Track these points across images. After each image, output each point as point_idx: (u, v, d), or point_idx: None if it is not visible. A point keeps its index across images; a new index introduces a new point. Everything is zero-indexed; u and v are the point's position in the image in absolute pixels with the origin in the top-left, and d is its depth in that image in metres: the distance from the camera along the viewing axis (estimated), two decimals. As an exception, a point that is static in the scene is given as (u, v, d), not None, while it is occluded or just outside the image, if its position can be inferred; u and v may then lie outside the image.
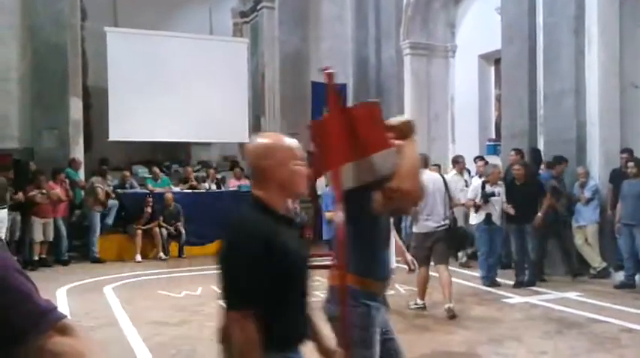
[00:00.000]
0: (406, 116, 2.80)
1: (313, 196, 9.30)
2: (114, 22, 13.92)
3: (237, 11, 15.56)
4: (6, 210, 9.15)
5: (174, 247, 11.19)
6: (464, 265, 9.53)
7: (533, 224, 8.10)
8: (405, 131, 2.68)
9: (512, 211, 8.00)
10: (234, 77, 14.01)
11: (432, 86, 12.83)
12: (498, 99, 11.52)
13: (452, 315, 6.33)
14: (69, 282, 8.49)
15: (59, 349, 1.14)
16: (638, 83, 8.73)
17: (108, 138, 12.76)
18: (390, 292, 3.59)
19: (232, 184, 13.06)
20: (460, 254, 9.68)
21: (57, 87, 11.38)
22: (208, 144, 15.33)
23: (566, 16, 8.87)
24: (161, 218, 11.10)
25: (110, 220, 11.01)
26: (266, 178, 1.97)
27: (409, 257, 5.37)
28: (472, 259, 9.35)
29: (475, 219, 8.18)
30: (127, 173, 12.14)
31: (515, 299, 7.32)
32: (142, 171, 13.27)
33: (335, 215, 2.57)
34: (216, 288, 7.64)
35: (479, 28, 11.78)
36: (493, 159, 10.08)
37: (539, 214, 8.20)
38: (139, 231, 10.80)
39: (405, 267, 5.37)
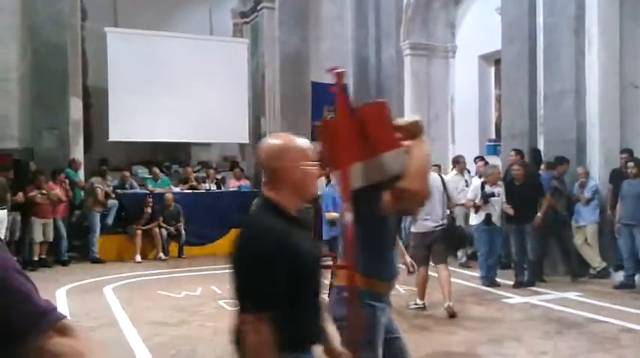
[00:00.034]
0: (414, 116, 2.79)
1: (313, 196, 9.30)
2: (114, 22, 13.91)
3: (237, 11, 15.55)
4: (6, 210, 9.14)
5: (174, 247, 11.20)
6: (464, 265, 9.54)
7: (533, 224, 8.10)
8: (413, 131, 2.68)
9: (511, 211, 8.00)
10: (234, 77, 14.00)
11: (432, 86, 12.83)
12: (498, 99, 11.51)
13: (451, 313, 6.34)
14: (69, 283, 8.50)
15: (59, 349, 1.14)
16: (638, 83, 8.73)
17: (108, 138, 12.75)
18: (389, 292, 3.58)
19: (232, 184, 13.07)
20: (460, 254, 9.68)
21: (57, 87, 11.38)
22: (208, 145, 15.32)
23: (567, 17, 8.87)
24: (161, 218, 11.11)
25: (110, 220, 11.02)
26: (278, 179, 1.96)
27: (408, 259, 5.37)
28: (472, 259, 9.36)
29: (475, 219, 8.18)
30: (127, 173, 12.15)
31: (515, 299, 7.32)
32: (142, 171, 13.27)
33: (344, 214, 2.56)
34: (215, 288, 7.69)
35: (479, 29, 11.78)
36: (493, 160, 10.08)
37: (539, 214, 8.20)
38: (139, 232, 10.80)
39: (404, 267, 5.37)
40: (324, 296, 2.63)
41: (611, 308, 6.72)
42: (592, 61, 8.66)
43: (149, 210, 10.97)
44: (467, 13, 12.54)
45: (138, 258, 10.65)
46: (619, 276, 8.07)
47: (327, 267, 2.83)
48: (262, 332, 1.79)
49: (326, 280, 2.74)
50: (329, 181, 6.79)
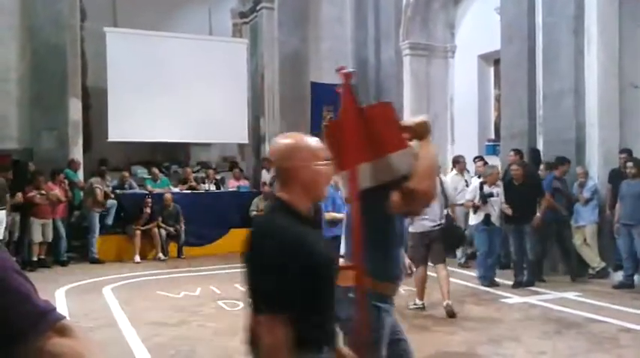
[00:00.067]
0: (422, 117, 2.79)
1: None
2: (113, 22, 13.91)
3: (237, 12, 15.54)
4: (5, 210, 9.14)
5: (173, 248, 11.19)
6: (463, 265, 9.54)
7: (532, 224, 8.11)
8: (421, 132, 2.68)
9: (509, 212, 8.01)
10: (234, 78, 14.00)
11: (431, 86, 12.83)
12: (498, 99, 11.52)
13: (450, 312, 6.35)
14: (68, 283, 8.49)
15: (58, 350, 1.14)
16: (638, 83, 8.74)
17: (107, 138, 12.74)
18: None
19: (231, 185, 13.07)
20: (459, 254, 9.69)
21: (56, 87, 11.37)
22: (208, 145, 15.32)
23: (566, 16, 8.87)
24: (160, 218, 11.10)
25: (109, 221, 11.01)
26: (290, 179, 1.95)
27: (407, 260, 5.37)
28: (471, 259, 9.36)
29: (474, 219, 8.19)
30: (126, 173, 12.14)
31: (514, 299, 7.32)
32: (141, 171, 13.26)
33: (352, 215, 2.55)
34: (215, 289, 7.68)
35: (478, 29, 11.78)
36: (492, 160, 10.09)
37: (538, 214, 8.21)
38: (138, 232, 10.80)
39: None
40: None
41: (610, 308, 6.73)
42: (591, 61, 8.67)
43: (148, 210, 10.97)
44: (466, 13, 12.55)
45: (137, 258, 10.64)
46: (618, 276, 8.08)
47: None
48: (277, 333, 1.78)
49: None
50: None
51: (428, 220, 6.45)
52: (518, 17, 9.64)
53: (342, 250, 3.04)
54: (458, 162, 10.25)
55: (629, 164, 7.92)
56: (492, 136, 11.95)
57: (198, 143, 14.93)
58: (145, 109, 12.80)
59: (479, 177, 9.01)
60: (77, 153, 11.71)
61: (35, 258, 9.79)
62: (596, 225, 8.53)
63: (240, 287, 8.01)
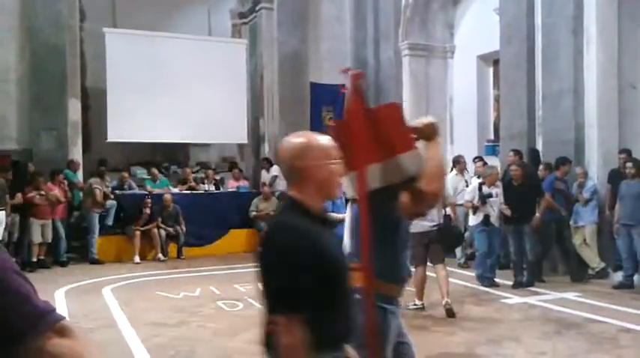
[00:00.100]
0: (430, 118, 2.79)
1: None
2: (112, 23, 13.91)
3: (236, 12, 15.54)
4: (4, 211, 9.13)
5: (172, 248, 11.18)
6: (463, 266, 9.54)
7: (532, 224, 8.11)
8: (429, 133, 2.68)
9: (508, 212, 8.01)
10: (233, 78, 13.99)
11: (430, 87, 12.83)
12: (497, 99, 11.52)
13: (450, 311, 6.35)
14: (67, 283, 8.49)
15: (58, 350, 1.14)
16: (637, 83, 8.74)
17: (106, 139, 12.74)
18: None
19: (231, 185, 13.07)
20: (459, 254, 9.69)
21: (55, 88, 11.37)
22: (207, 146, 15.32)
23: (565, 17, 8.88)
24: (160, 219, 11.10)
25: (109, 221, 11.01)
26: (302, 178, 1.94)
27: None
28: (471, 260, 9.36)
29: (473, 220, 8.19)
30: (126, 174, 12.14)
31: (514, 299, 7.32)
32: (141, 172, 13.26)
33: (361, 215, 2.54)
34: (214, 289, 7.67)
35: (477, 29, 11.78)
36: (492, 160, 10.09)
37: (538, 215, 8.20)
38: (138, 232, 10.79)
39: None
40: None
41: (610, 308, 6.73)
42: (590, 61, 8.67)
43: (148, 210, 10.96)
44: (465, 14, 12.55)
45: (137, 258, 10.63)
46: (618, 276, 8.07)
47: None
48: (295, 334, 1.77)
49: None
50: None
51: (427, 220, 6.44)
52: (518, 18, 9.65)
53: (346, 251, 3.03)
54: (458, 163, 10.25)
55: (629, 164, 7.92)
56: (492, 137, 11.95)
57: (197, 143, 14.94)
58: (145, 110, 12.80)
59: (478, 177, 9.02)
60: (76, 153, 11.71)
61: (35, 259, 9.78)
62: (596, 225, 8.52)
63: (240, 288, 8.03)
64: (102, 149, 13.05)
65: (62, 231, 10.26)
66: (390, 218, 2.63)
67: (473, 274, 8.53)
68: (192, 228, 11.33)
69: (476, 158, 10.35)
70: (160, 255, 10.89)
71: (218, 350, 5.35)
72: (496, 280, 8.14)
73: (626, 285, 7.76)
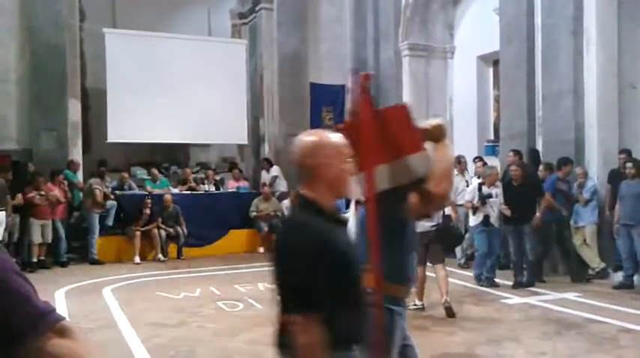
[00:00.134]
0: (437, 119, 2.79)
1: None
2: (112, 23, 13.91)
3: (236, 12, 15.55)
4: (4, 211, 9.13)
5: (172, 248, 11.18)
6: (463, 266, 9.54)
7: (532, 224, 8.11)
8: (437, 134, 2.69)
9: (508, 213, 8.01)
10: (233, 78, 14.00)
11: (430, 87, 12.83)
12: (497, 100, 11.52)
13: (449, 310, 6.35)
14: (67, 284, 8.49)
15: (58, 351, 1.14)
16: (637, 84, 8.74)
17: (106, 139, 12.74)
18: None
19: (231, 185, 13.07)
20: (459, 255, 9.69)
21: (55, 88, 11.37)
22: (207, 146, 15.32)
23: (565, 17, 8.88)
24: (160, 219, 11.10)
25: (109, 222, 11.00)
26: (313, 177, 1.94)
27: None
28: (471, 260, 9.35)
29: (473, 220, 8.19)
30: (126, 174, 12.14)
31: (514, 299, 7.32)
32: (141, 172, 13.27)
33: (368, 216, 2.54)
34: (214, 290, 7.66)
35: (477, 29, 11.79)
36: (492, 160, 10.09)
37: (538, 215, 8.20)
38: (138, 233, 10.79)
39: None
40: None
41: (610, 308, 6.73)
42: (590, 62, 8.67)
43: (148, 211, 10.96)
44: (465, 14, 12.55)
45: (137, 259, 10.63)
46: (618, 277, 8.07)
47: None
48: (312, 333, 1.76)
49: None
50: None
51: (426, 220, 6.45)
52: (518, 18, 9.65)
53: None
54: (459, 163, 10.23)
55: (629, 164, 7.92)
56: (491, 137, 11.96)
57: (197, 144, 14.94)
58: (145, 110, 12.80)
59: (478, 177, 9.02)
60: (76, 154, 11.71)
61: (35, 259, 9.78)
62: (596, 225, 8.52)
63: (240, 288, 8.04)
64: (102, 149, 13.05)
65: (62, 232, 10.26)
66: (397, 219, 2.63)
67: (472, 274, 8.53)
68: (193, 229, 11.33)
69: (476, 158, 10.36)
70: (160, 256, 10.89)
71: (218, 351, 5.35)
72: (496, 280, 8.14)
73: (626, 285, 7.76)
